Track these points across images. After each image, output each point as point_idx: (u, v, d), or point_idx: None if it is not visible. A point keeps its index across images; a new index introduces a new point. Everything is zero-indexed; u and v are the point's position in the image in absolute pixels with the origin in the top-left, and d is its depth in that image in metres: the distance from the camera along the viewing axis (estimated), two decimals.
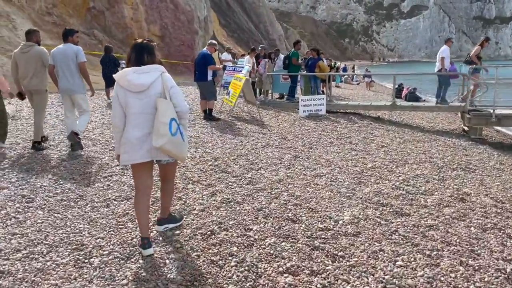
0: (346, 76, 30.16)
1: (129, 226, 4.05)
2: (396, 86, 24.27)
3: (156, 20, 24.74)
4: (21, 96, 6.86)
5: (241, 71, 11.77)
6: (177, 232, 3.97)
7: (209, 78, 9.64)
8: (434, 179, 6.11)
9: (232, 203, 4.74)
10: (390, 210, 4.77)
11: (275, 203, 4.80)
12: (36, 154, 6.44)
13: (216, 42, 9.91)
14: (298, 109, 11.58)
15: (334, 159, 7.02)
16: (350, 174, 6.15)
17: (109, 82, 12.07)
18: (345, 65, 36.69)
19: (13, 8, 21.17)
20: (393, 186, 5.66)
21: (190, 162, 6.29)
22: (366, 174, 6.21)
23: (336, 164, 6.68)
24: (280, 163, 6.50)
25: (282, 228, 4.12)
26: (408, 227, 4.32)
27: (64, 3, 23.48)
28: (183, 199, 4.83)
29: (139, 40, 3.47)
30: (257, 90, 14.60)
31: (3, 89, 6.43)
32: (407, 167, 6.71)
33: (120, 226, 4.05)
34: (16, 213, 4.29)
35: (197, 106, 11.18)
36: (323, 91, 14.89)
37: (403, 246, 3.89)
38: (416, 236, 4.12)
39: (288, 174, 5.96)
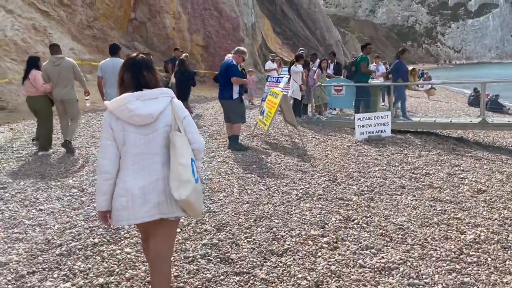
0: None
1: None
2: (472, 93, 20.76)
3: (200, 29, 23.11)
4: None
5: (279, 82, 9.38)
6: None
7: (235, 95, 7.38)
8: None
9: None
10: None
11: None
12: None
13: (245, 50, 7.64)
14: (354, 129, 9.00)
15: (410, 224, 4.46)
16: (442, 261, 3.59)
17: (182, 97, 10.75)
18: (422, 70, 32.17)
19: (51, 22, 20.34)
20: None
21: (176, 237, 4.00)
22: (469, 261, 3.62)
23: (415, 237, 4.13)
24: (322, 237, 4.04)
25: None
26: None
27: (105, 16, 22.50)
28: None
29: (133, 55, 2.71)
30: (308, 106, 11.99)
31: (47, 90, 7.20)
32: None
33: None
34: None
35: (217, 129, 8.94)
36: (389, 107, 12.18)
37: None
38: None
39: (333, 264, 3.51)
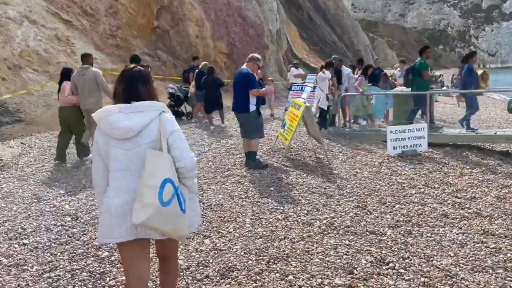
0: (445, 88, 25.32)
1: None
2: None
3: (223, 36, 22.60)
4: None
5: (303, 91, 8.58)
6: None
7: (252, 107, 6.68)
8: None
9: None
10: None
11: None
12: None
13: (259, 57, 6.93)
14: (386, 142, 8.13)
15: (459, 268, 3.62)
16: None
17: (213, 106, 11.07)
18: (453, 75, 30.11)
19: (75, 32, 20.26)
20: None
21: None
22: None
23: (466, 287, 3.30)
24: None
25: None
26: None
27: (128, 24, 22.33)
28: None
29: (130, 66, 2.54)
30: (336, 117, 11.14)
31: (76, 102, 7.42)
32: None
33: None
34: None
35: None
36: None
37: None
38: None
39: None
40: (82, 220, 4.61)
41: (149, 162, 2.31)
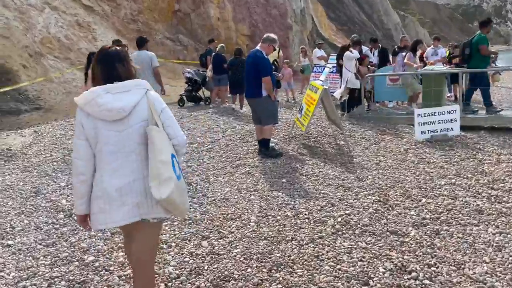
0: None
1: None
2: None
3: (245, 18, 21.95)
4: None
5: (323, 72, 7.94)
6: None
7: (265, 92, 6.16)
8: None
9: None
10: None
11: None
12: None
13: (275, 38, 6.35)
14: (413, 126, 7.46)
15: (495, 278, 3.06)
16: None
17: (239, 89, 10.54)
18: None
19: (96, 17, 20.11)
20: None
21: None
22: None
23: None
24: None
25: None
26: None
27: (150, 9, 22.01)
28: None
29: (107, 46, 2.48)
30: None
31: None
32: None
33: None
34: None
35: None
36: (455, 97, 10.44)
37: None
38: None
39: None
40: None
41: (155, 139, 2.28)
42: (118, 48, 2.47)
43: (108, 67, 2.37)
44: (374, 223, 3.97)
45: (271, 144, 6.56)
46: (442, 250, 3.48)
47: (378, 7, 75.64)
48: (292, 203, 4.47)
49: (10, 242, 3.77)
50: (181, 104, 11.61)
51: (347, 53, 9.20)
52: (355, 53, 9.16)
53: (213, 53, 11.68)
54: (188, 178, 5.39)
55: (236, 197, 4.68)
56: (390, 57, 11.24)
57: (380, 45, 11.93)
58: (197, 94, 11.94)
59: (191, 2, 21.88)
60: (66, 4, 18.76)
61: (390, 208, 4.33)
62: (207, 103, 11.85)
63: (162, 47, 20.90)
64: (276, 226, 3.93)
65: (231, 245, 3.59)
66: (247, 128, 8.25)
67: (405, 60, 9.36)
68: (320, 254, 3.40)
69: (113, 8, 21.07)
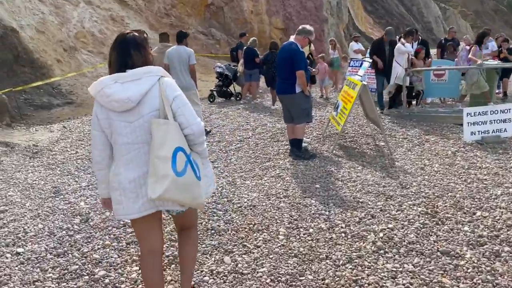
0: None
1: None
2: None
3: (279, 11, 21.40)
4: None
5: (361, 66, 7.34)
6: None
7: (299, 87, 5.69)
8: None
9: None
10: None
11: None
12: None
13: (312, 30, 5.85)
14: (462, 126, 6.80)
15: None
16: None
17: (275, 84, 9.61)
18: None
19: (129, 12, 20.13)
20: None
21: None
22: None
23: None
24: None
25: None
26: None
27: (183, 3, 21.85)
28: None
29: (124, 32, 2.33)
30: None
31: None
32: None
33: None
34: None
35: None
36: (504, 93, 9.60)
37: None
38: None
39: None
40: (91, 223, 3.97)
41: (156, 133, 2.17)
42: (136, 34, 2.33)
43: (123, 54, 2.26)
44: (421, 241, 3.45)
45: (303, 144, 6.10)
46: (505, 277, 2.94)
47: None
48: (327, 213, 4.01)
49: (20, 250, 3.49)
50: (211, 99, 11.28)
51: (398, 45, 8.51)
52: (408, 47, 8.47)
53: (244, 47, 11.27)
54: None
55: (264, 204, 4.26)
56: (436, 50, 10.46)
57: (420, 37, 11.16)
58: (228, 90, 11.58)
59: None
60: None
61: (439, 223, 3.79)
62: (237, 98, 11.47)
63: (194, 41, 20.70)
64: (308, 240, 3.48)
65: (257, 262, 3.17)
66: (279, 126, 7.80)
67: (470, 55, 8.55)
68: (360, 278, 2.93)
69: (147, 3, 21.03)
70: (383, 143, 6.37)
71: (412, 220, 3.82)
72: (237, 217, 3.97)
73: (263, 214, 4.01)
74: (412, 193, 4.48)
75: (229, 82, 11.52)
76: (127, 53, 2.25)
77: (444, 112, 8.67)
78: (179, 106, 2.25)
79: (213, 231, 3.70)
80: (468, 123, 6.59)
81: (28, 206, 4.52)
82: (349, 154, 6.02)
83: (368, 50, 9.71)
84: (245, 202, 4.30)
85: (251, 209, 4.15)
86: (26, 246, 3.57)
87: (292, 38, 5.84)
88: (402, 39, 8.60)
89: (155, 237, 2.45)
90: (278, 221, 3.86)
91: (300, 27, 5.88)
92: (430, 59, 9.37)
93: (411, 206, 4.14)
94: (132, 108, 2.21)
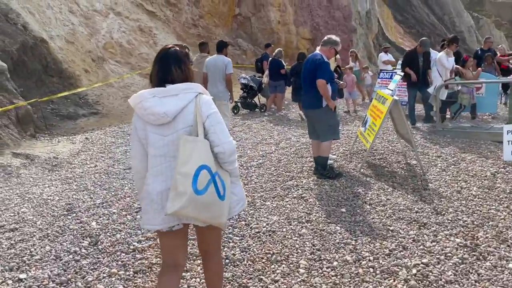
0: None
1: None
2: None
3: (307, 21, 21.12)
4: None
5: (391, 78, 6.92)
6: None
7: (325, 103, 5.36)
8: None
9: None
10: None
11: None
12: None
13: (338, 40, 5.53)
14: (501, 144, 6.30)
15: None
16: None
17: (298, 95, 9.67)
18: None
19: (157, 23, 20.29)
20: None
21: None
22: None
23: None
24: None
25: None
26: None
27: (211, 13, 21.89)
28: None
29: (167, 46, 2.41)
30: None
31: None
32: None
33: None
34: None
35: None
36: None
37: None
38: None
39: None
40: (100, 247, 3.74)
41: (182, 149, 2.20)
42: (177, 48, 2.37)
43: (164, 68, 2.32)
44: (461, 280, 3.05)
45: (329, 162, 5.75)
46: None
47: (450, 8, 71.54)
48: (353, 242, 3.65)
49: (22, 276, 3.29)
50: (235, 111, 11.05)
51: (441, 56, 8.02)
52: (451, 61, 7.96)
53: (270, 58, 11.02)
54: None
55: (284, 230, 3.93)
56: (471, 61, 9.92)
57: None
58: (253, 101, 11.33)
59: (252, 5, 21.45)
60: (129, 9, 19.05)
61: (481, 258, 3.37)
62: (262, 110, 11.20)
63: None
64: (332, 276, 3.13)
65: None
66: (304, 140, 7.47)
67: None
68: None
69: (175, 13, 21.16)
70: (415, 161, 5.95)
71: (450, 254, 3.41)
72: (254, 245, 3.66)
73: (282, 242, 3.69)
74: (449, 221, 4.06)
75: (254, 93, 11.28)
76: (168, 68, 2.30)
77: (480, 128, 8.13)
78: (212, 124, 2.27)
79: (227, 260, 3.40)
80: (508, 141, 6.08)
81: (39, 225, 4.34)
82: (378, 173, 5.62)
83: (400, 62, 9.26)
84: (264, 227, 3.99)
85: (270, 235, 3.83)
86: (30, 272, 3.36)
87: (318, 50, 5.53)
88: (446, 48, 8.11)
89: (178, 253, 2.44)
90: (299, 250, 3.53)
91: (326, 38, 5.57)
92: (479, 69, 8.83)
93: (447, 237, 3.73)
94: (168, 123, 2.26)
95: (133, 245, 3.71)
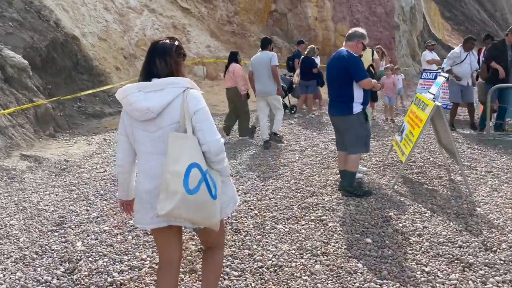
0: None
1: None
2: None
3: (345, 17, 20.08)
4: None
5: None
6: None
7: (357, 107, 4.59)
8: None
9: None
10: None
11: None
12: None
13: (364, 32, 4.73)
14: None
15: None
16: None
17: None
18: None
19: (192, 20, 19.98)
20: None
21: None
22: None
23: None
24: None
25: None
26: None
27: (246, 10, 21.34)
28: None
29: (157, 40, 2.32)
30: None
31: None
32: None
33: None
34: None
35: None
36: None
37: None
38: None
39: None
40: (75, 277, 3.20)
41: (171, 147, 2.10)
42: (167, 41, 2.26)
43: (149, 62, 2.23)
44: None
45: (358, 175, 5.00)
46: None
47: (502, 4, 67.81)
48: (381, 281, 2.91)
49: None
50: None
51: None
52: None
53: (302, 56, 10.28)
54: (239, 220, 4.09)
55: (293, 264, 3.24)
56: None
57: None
58: (282, 102, 10.62)
59: (289, 1, 20.71)
60: (164, 6, 18.81)
61: None
62: (292, 112, 10.49)
63: (255, 49, 20.09)
64: None
65: None
66: (332, 147, 6.72)
67: None
68: None
69: (210, 10, 20.76)
70: (460, 177, 5.08)
71: None
72: (253, 284, 3.00)
73: (288, 283, 3.00)
74: (501, 262, 3.23)
75: (284, 94, 10.57)
76: (152, 62, 2.21)
77: None
78: (198, 121, 2.16)
79: None
80: None
81: (21, 242, 3.88)
82: (415, 191, 4.80)
83: (445, 60, 8.24)
84: (269, 260, 3.31)
85: (275, 272, 3.15)
86: None
87: (343, 46, 4.77)
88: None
89: (173, 249, 2.39)
90: None
91: (351, 31, 4.79)
92: None
93: (500, 285, 2.92)
94: (153, 119, 2.17)
95: (112, 276, 3.14)
